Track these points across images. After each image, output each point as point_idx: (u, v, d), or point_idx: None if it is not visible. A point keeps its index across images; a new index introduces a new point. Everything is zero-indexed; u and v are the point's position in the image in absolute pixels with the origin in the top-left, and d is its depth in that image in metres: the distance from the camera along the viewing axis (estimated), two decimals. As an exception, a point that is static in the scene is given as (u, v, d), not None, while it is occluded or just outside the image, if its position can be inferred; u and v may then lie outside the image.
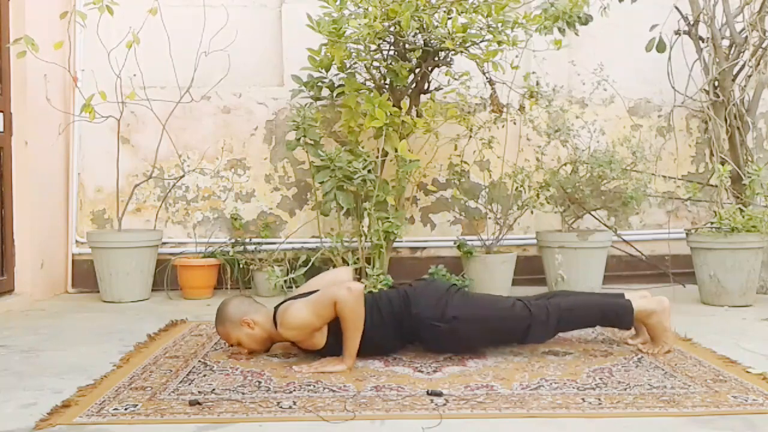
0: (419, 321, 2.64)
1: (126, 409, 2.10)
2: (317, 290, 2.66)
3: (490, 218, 4.49)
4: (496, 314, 2.70)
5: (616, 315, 2.74)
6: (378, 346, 2.68)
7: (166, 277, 4.34)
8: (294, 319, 2.53)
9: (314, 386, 2.32)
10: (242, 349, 2.71)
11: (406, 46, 3.87)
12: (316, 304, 2.53)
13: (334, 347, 2.57)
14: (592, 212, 4.29)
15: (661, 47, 4.30)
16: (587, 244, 4.05)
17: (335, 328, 2.55)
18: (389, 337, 2.69)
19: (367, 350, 2.61)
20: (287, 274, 4.00)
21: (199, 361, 2.68)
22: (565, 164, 4.27)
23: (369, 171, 3.86)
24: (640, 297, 2.79)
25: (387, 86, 4.06)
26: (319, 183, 4.00)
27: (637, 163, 4.17)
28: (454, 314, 2.63)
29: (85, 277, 4.47)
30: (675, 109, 4.50)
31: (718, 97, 4.23)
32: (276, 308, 2.68)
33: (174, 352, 2.83)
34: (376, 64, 4.03)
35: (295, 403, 2.14)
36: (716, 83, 4.25)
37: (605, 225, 4.44)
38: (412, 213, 4.59)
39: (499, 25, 3.72)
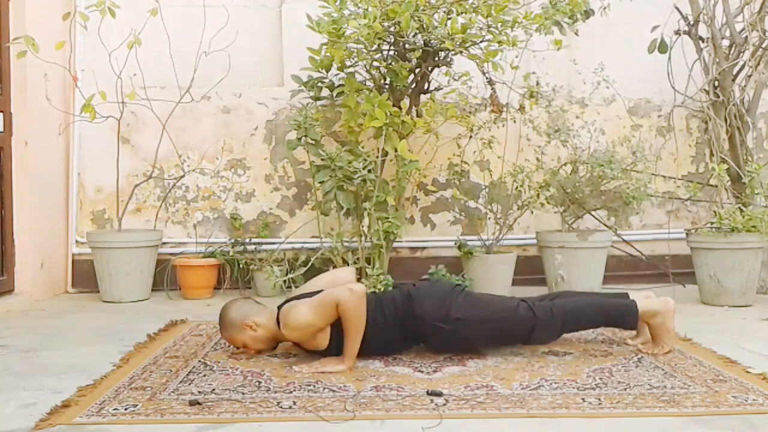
0: (423, 322, 2.64)
1: (126, 409, 2.10)
2: (320, 290, 2.66)
3: (490, 218, 4.49)
4: (500, 316, 2.69)
5: (621, 315, 2.73)
6: (382, 346, 2.69)
7: (166, 277, 4.34)
8: (297, 321, 2.53)
9: (314, 386, 2.32)
10: (249, 350, 2.73)
11: (406, 46, 3.87)
12: (319, 306, 2.53)
13: (337, 348, 2.57)
14: (592, 212, 4.29)
15: (663, 48, 4.30)
16: (587, 244, 4.05)
17: (339, 328, 2.55)
18: (393, 338, 2.69)
19: (371, 350, 2.62)
20: (287, 274, 4.00)
21: (199, 361, 2.68)
22: (565, 164, 4.27)
23: (369, 171, 3.86)
24: (645, 297, 2.79)
25: (387, 86, 4.06)
26: (319, 183, 4.00)
27: (637, 163, 4.16)
28: (458, 316, 2.63)
29: (85, 277, 4.46)
30: (675, 109, 4.50)
31: (718, 97, 4.23)
32: (279, 308, 2.68)
33: (174, 352, 2.83)
34: (376, 64, 4.03)
35: (295, 403, 2.14)
36: (716, 83, 4.25)
37: (605, 225, 4.44)
38: (412, 213, 4.59)
39: (499, 25, 3.71)
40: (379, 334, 2.61)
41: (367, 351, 2.59)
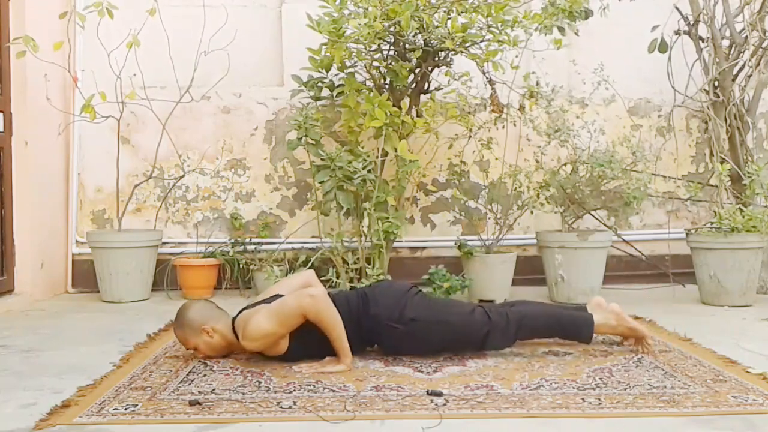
0: (377, 322, 2.63)
1: (126, 409, 2.10)
2: (276, 295, 2.64)
3: (490, 218, 4.49)
4: (456, 319, 2.70)
5: (575, 327, 2.76)
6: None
7: (166, 277, 4.34)
8: (257, 331, 2.50)
9: (314, 386, 2.32)
10: (197, 354, 2.69)
11: (406, 46, 3.87)
12: (280, 314, 2.50)
13: (297, 351, 2.56)
14: (592, 212, 4.29)
15: (663, 48, 4.30)
16: (587, 244, 4.05)
17: (297, 331, 2.53)
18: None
19: (324, 351, 2.58)
20: (287, 274, 4.00)
21: (199, 361, 2.67)
22: (565, 164, 4.27)
23: (369, 171, 3.86)
24: (596, 305, 2.82)
25: (387, 86, 4.06)
26: (319, 183, 4.00)
27: (637, 163, 4.16)
28: (412, 316, 2.62)
29: (85, 277, 4.46)
30: (675, 109, 4.50)
31: (718, 97, 4.23)
32: (234, 318, 2.65)
33: (174, 352, 2.83)
34: (376, 64, 4.03)
35: (295, 403, 2.14)
36: (716, 83, 4.25)
37: (605, 225, 4.44)
38: (412, 213, 4.59)
39: (499, 24, 3.71)
40: None
41: (321, 352, 2.57)
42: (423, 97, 4.17)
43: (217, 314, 2.70)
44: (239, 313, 2.67)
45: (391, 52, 4.00)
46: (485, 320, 2.68)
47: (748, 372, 2.45)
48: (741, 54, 4.24)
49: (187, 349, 2.73)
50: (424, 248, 4.64)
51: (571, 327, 2.77)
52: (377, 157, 3.92)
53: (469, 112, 4.20)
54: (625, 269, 4.61)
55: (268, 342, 2.54)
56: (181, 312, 2.69)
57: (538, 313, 2.80)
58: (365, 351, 2.73)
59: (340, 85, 4.19)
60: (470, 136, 4.23)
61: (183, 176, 4.49)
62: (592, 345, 2.88)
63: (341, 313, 2.59)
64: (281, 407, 2.11)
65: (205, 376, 2.47)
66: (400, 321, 2.62)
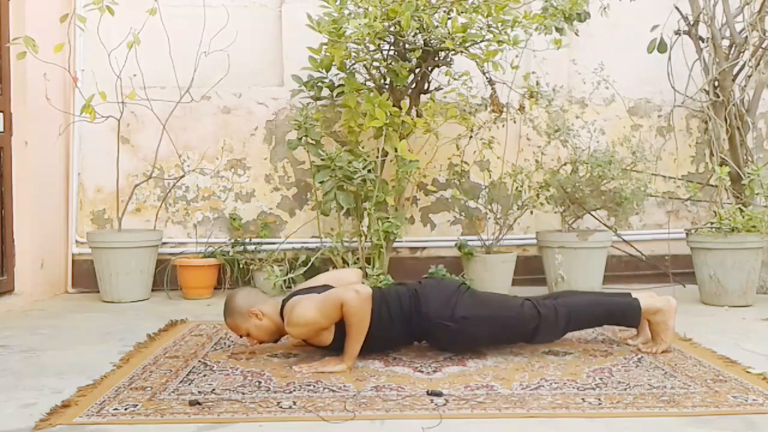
0: (428, 320, 2.64)
1: (126, 409, 2.10)
2: (325, 285, 2.66)
3: (490, 218, 4.49)
4: (506, 314, 2.70)
5: (623, 313, 2.75)
6: (385, 342, 2.70)
7: (166, 277, 4.34)
8: (301, 318, 2.53)
9: (314, 386, 2.32)
10: (251, 340, 2.72)
11: (406, 46, 3.87)
12: (324, 304, 2.52)
13: (341, 345, 2.56)
14: (592, 212, 4.29)
15: (662, 48, 4.30)
16: (587, 244, 4.05)
17: (343, 326, 2.54)
18: (396, 334, 2.70)
19: (374, 347, 2.62)
20: (287, 274, 4.00)
21: (199, 361, 2.68)
22: (565, 164, 4.27)
23: (369, 171, 3.86)
24: (648, 296, 2.80)
25: (387, 86, 4.06)
26: (319, 183, 4.00)
27: (637, 163, 4.17)
28: (464, 314, 2.63)
29: (85, 277, 4.46)
30: (675, 109, 4.50)
31: (718, 97, 4.23)
32: (284, 301, 2.68)
33: (174, 352, 2.83)
34: (376, 64, 4.03)
35: (295, 403, 2.14)
36: (716, 83, 4.25)
37: (605, 225, 4.44)
38: (412, 213, 4.59)
39: (499, 24, 3.71)
40: (382, 329, 2.61)
41: (370, 347, 2.59)
42: (423, 97, 4.18)
43: (263, 298, 2.75)
44: (288, 297, 2.69)
45: (391, 52, 4.00)
46: (534, 314, 2.67)
47: (748, 372, 2.45)
48: (741, 54, 4.24)
49: (240, 336, 2.75)
50: (424, 248, 4.64)
51: (618, 314, 2.76)
52: (377, 157, 3.92)
53: (469, 112, 4.20)
54: (625, 269, 4.61)
55: (310, 330, 2.56)
56: (228, 300, 2.73)
57: (585, 304, 2.79)
58: (381, 350, 2.73)
59: (340, 85, 4.19)
60: (471, 136, 4.23)
61: (183, 176, 4.49)
62: (592, 345, 2.88)
63: (392, 309, 2.64)
64: (281, 407, 2.11)
65: (205, 376, 2.47)
66: (452, 319, 2.62)
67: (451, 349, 2.74)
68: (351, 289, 2.51)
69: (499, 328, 2.69)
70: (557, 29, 3.82)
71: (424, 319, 2.65)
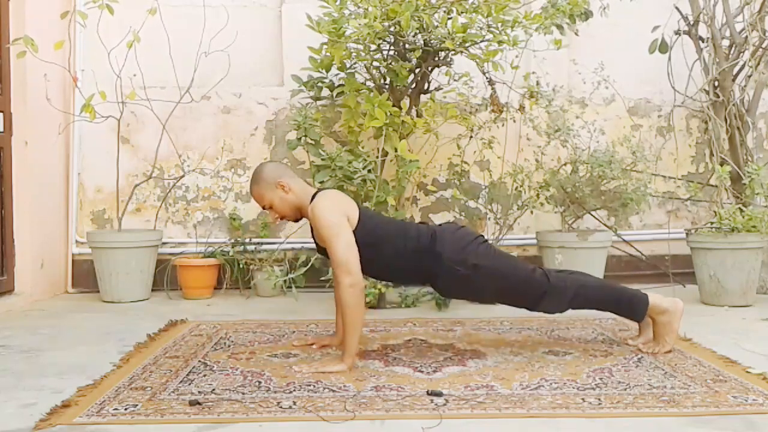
0: (440, 262, 2.63)
1: (126, 409, 2.10)
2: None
3: (490, 218, 4.49)
4: (516, 273, 2.70)
5: (630, 303, 2.75)
6: (392, 272, 2.72)
7: (166, 277, 4.34)
8: (322, 213, 2.53)
9: (314, 386, 2.32)
10: (273, 213, 2.72)
11: (406, 46, 3.87)
12: (339, 228, 2.51)
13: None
14: (592, 212, 4.29)
15: (663, 48, 4.31)
16: (587, 244, 4.05)
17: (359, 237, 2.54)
18: (406, 268, 2.68)
19: (381, 274, 2.66)
20: (287, 274, 4.00)
21: (199, 361, 2.67)
22: (565, 164, 4.27)
23: (369, 171, 3.86)
24: (656, 296, 2.80)
25: (387, 86, 4.06)
26: (320, 183, 4.00)
27: (637, 163, 4.17)
28: (476, 262, 2.62)
29: (85, 277, 4.46)
30: (675, 109, 4.50)
31: (718, 97, 4.23)
32: (315, 194, 2.69)
33: (174, 352, 2.83)
34: (376, 64, 4.03)
35: (295, 403, 2.14)
36: (716, 83, 4.25)
37: (605, 225, 4.44)
38: (412, 213, 4.59)
39: (499, 25, 3.71)
40: (395, 259, 2.63)
41: (379, 273, 2.62)
42: (423, 97, 4.17)
43: (292, 174, 2.77)
44: (319, 190, 2.73)
45: (391, 52, 4.00)
46: (544, 281, 2.67)
47: (748, 372, 2.45)
48: (741, 54, 4.24)
49: (263, 208, 2.75)
50: (424, 248, 4.63)
51: (625, 304, 2.76)
52: (377, 157, 3.92)
53: (469, 112, 4.20)
54: (625, 269, 4.61)
55: (325, 224, 2.53)
56: (257, 170, 2.75)
57: (596, 284, 2.80)
58: (393, 280, 2.75)
59: (340, 85, 4.19)
60: (471, 136, 4.23)
61: (183, 176, 4.49)
62: (592, 345, 2.88)
63: (409, 243, 2.64)
64: (281, 407, 2.11)
65: (205, 376, 2.47)
66: (463, 264, 2.62)
67: (456, 296, 2.74)
68: (348, 280, 2.47)
69: (507, 286, 2.69)
70: (557, 27, 3.81)
71: (437, 260, 2.63)
